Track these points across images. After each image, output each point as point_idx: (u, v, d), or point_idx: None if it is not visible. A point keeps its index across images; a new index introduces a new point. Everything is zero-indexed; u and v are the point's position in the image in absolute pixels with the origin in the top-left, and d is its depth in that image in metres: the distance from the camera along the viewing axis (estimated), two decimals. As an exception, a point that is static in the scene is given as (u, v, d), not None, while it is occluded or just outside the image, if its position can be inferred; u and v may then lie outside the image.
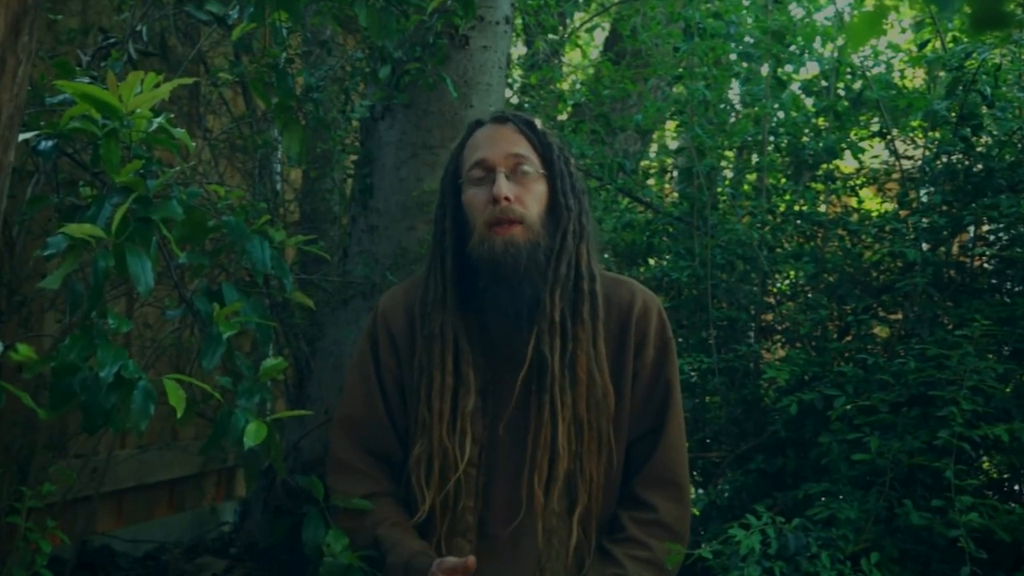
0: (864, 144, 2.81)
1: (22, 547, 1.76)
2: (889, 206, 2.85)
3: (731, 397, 2.56)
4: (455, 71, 2.39)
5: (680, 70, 2.87)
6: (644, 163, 3.99)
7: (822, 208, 2.81)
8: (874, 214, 2.78)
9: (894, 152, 2.72)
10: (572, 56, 5.14)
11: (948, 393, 1.91)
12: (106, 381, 1.29)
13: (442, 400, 1.65)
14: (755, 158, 3.03)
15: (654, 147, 4.52)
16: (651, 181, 3.68)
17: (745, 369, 2.58)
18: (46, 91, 1.58)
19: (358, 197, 2.51)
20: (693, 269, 2.62)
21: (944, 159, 2.47)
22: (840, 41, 2.86)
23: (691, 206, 2.75)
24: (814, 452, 2.22)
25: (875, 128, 2.83)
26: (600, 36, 5.27)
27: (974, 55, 2.30)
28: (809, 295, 2.65)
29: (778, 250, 2.73)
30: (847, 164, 2.91)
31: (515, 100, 3.81)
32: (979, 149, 2.40)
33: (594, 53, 5.25)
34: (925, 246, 2.42)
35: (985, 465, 2.27)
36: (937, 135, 2.54)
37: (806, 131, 2.85)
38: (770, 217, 2.73)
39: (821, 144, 2.74)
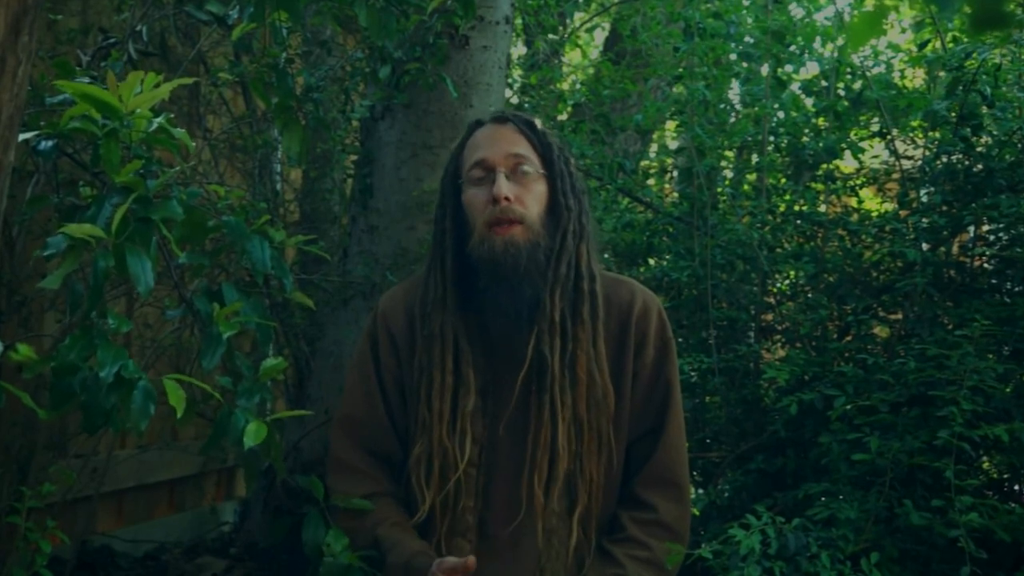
0: (864, 144, 2.81)
1: (22, 547, 1.76)
2: (889, 206, 2.85)
3: (731, 397, 2.56)
4: (455, 71, 2.39)
5: (680, 70, 2.87)
6: (644, 163, 3.99)
7: (822, 208, 2.80)
8: (874, 214, 2.78)
9: (894, 152, 2.72)
10: (572, 56, 5.14)
11: (948, 393, 1.91)
12: (106, 381, 1.29)
13: (442, 400, 1.65)
14: (755, 158, 3.03)
15: (654, 147, 4.52)
16: (651, 181, 3.68)
17: (745, 369, 2.58)
18: (46, 91, 1.58)
19: (358, 197, 2.51)
20: (693, 269, 2.62)
21: (944, 159, 2.47)
22: (840, 41, 2.86)
23: (691, 206, 2.75)
24: (814, 452, 2.22)
25: (875, 128, 2.83)
26: (600, 36, 5.27)
27: (974, 55, 2.30)
28: (809, 295, 2.65)
29: (778, 250, 2.73)
30: (847, 164, 2.91)
31: (515, 100, 3.81)
32: (979, 149, 2.40)
33: (594, 53, 5.25)
34: (925, 246, 2.42)
35: (985, 465, 2.27)
36: (937, 135, 2.54)
37: (806, 131, 2.85)
38: (770, 217, 2.73)
39: (821, 144, 2.74)
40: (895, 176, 2.77)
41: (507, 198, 1.62)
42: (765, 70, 2.93)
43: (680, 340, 2.67)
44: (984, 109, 2.36)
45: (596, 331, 1.67)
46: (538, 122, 1.74)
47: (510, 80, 3.56)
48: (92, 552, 2.66)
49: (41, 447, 2.08)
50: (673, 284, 2.72)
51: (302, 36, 2.58)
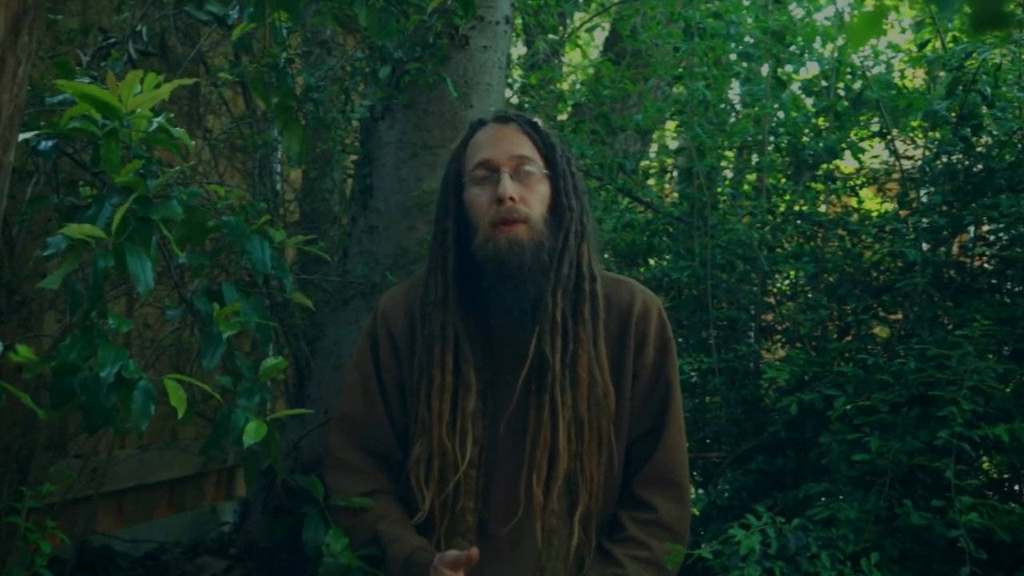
0: (864, 144, 2.81)
1: (22, 547, 1.76)
2: (889, 206, 2.85)
3: (731, 397, 2.56)
4: (455, 71, 2.39)
5: (680, 70, 2.87)
6: (644, 163, 3.99)
7: (822, 208, 2.80)
8: (874, 214, 2.78)
9: (894, 152, 2.72)
10: (572, 56, 5.15)
11: (948, 393, 1.91)
12: (106, 381, 1.29)
13: (442, 400, 1.65)
14: (755, 158, 3.03)
15: (654, 147, 4.52)
16: (651, 181, 3.68)
17: (745, 369, 2.58)
18: (46, 91, 1.58)
19: (358, 197, 2.51)
20: (693, 269, 2.62)
21: (944, 159, 2.47)
22: (840, 41, 2.86)
23: (691, 206, 2.74)
24: (814, 452, 2.22)
25: (875, 128, 2.83)
26: (600, 36, 5.27)
27: (974, 55, 2.30)
28: (809, 295, 2.65)
29: (778, 250, 2.73)
30: (847, 164, 2.91)
31: (515, 100, 3.81)
32: (979, 149, 2.40)
33: (594, 53, 5.25)
34: (925, 246, 2.42)
35: (985, 465, 2.27)
36: (937, 135, 2.54)
37: (806, 131, 2.85)
38: (770, 217, 2.73)
39: (821, 144, 2.74)
40: (895, 176, 2.77)
41: (512, 198, 1.62)
42: (765, 70, 2.93)
43: (680, 340, 2.67)
44: (984, 109, 2.36)
45: (597, 331, 1.67)
46: (540, 122, 1.74)
47: (510, 80, 3.56)
48: (92, 552, 2.66)
49: (41, 447, 2.08)
50: (673, 284, 2.71)
51: (302, 36, 2.58)
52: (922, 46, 2.64)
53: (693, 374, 2.60)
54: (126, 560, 2.74)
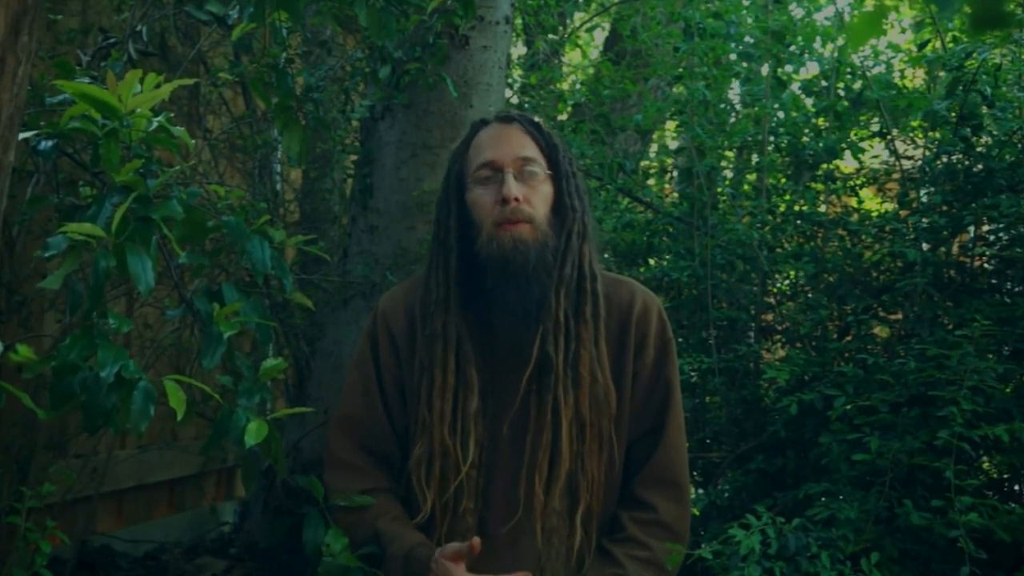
0: (864, 144, 2.81)
1: (22, 547, 1.76)
2: (889, 206, 2.85)
3: (731, 397, 2.56)
4: (455, 71, 2.39)
5: (680, 70, 2.87)
6: (644, 163, 4.00)
7: (822, 208, 2.80)
8: (874, 214, 2.78)
9: (894, 152, 2.72)
10: (572, 56, 5.14)
11: (948, 393, 1.91)
12: (106, 381, 1.29)
13: (443, 400, 1.65)
14: (755, 158, 3.03)
15: (654, 147, 4.52)
16: (651, 181, 3.68)
17: (745, 369, 2.58)
18: (46, 91, 1.58)
19: (358, 197, 2.51)
20: (693, 269, 2.62)
21: (944, 159, 2.47)
22: (840, 41, 2.86)
23: (691, 206, 2.74)
24: (814, 452, 2.22)
25: (875, 128, 2.83)
26: (600, 36, 5.27)
27: (974, 55, 2.30)
28: (809, 295, 2.65)
29: (778, 250, 2.73)
30: (847, 164, 2.91)
31: (515, 100, 3.81)
32: (979, 149, 2.40)
33: (594, 53, 5.25)
34: (925, 246, 2.42)
35: (985, 465, 2.27)
36: (937, 135, 2.54)
37: (806, 131, 2.85)
38: (770, 217, 2.73)
39: (821, 144, 2.74)
40: (895, 176, 2.77)
41: (516, 199, 1.62)
42: (765, 70, 2.93)
43: (680, 340, 2.67)
44: (984, 109, 2.36)
45: (598, 330, 1.67)
46: (542, 122, 1.74)
47: (510, 80, 3.56)
48: (92, 552, 2.66)
49: (41, 447, 2.08)
50: (673, 284, 2.71)
51: (302, 36, 2.58)
52: (922, 46, 2.64)
53: (693, 374, 2.60)
54: (126, 560, 2.74)
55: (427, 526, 1.65)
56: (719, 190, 2.88)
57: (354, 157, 2.67)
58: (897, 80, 2.87)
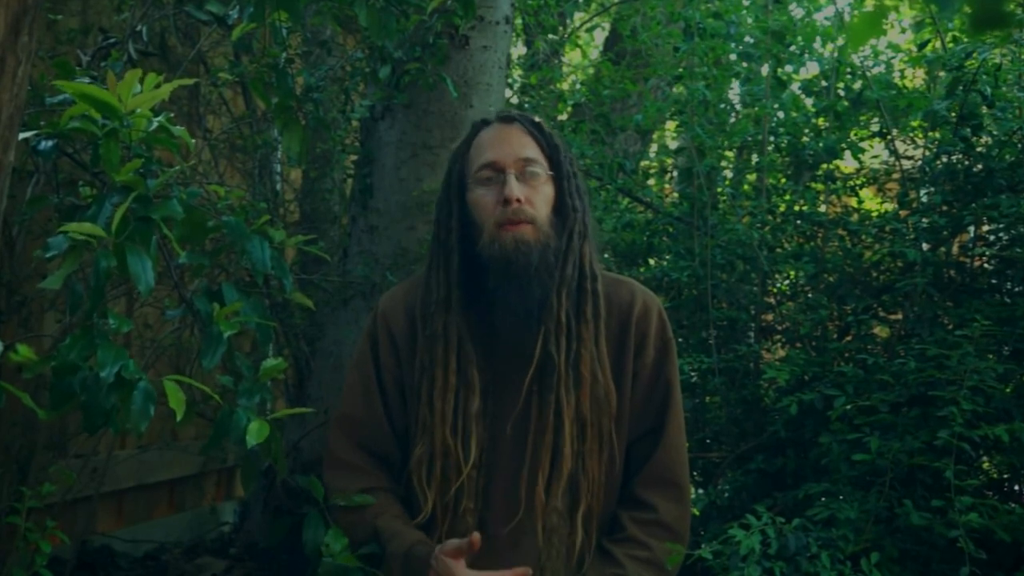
0: (864, 144, 2.81)
1: (22, 547, 1.76)
2: (889, 206, 2.85)
3: (731, 397, 2.56)
4: (455, 71, 2.39)
5: (680, 70, 2.87)
6: (644, 163, 4.00)
7: (822, 208, 2.80)
8: (874, 214, 2.78)
9: (894, 152, 2.72)
10: (572, 56, 5.14)
11: (948, 393, 1.91)
12: (106, 381, 1.29)
13: (444, 401, 1.65)
14: (755, 158, 3.03)
15: (654, 147, 4.52)
16: (651, 181, 3.68)
17: (745, 369, 2.58)
18: (46, 91, 1.58)
19: (358, 197, 2.51)
20: (693, 269, 2.62)
21: (944, 159, 2.47)
22: (840, 41, 2.86)
23: (691, 206, 2.74)
24: (814, 452, 2.22)
25: (875, 128, 2.83)
26: (600, 36, 5.27)
27: (974, 55, 2.30)
28: (809, 295, 2.65)
29: (778, 250, 2.73)
30: (847, 164, 2.91)
31: (515, 100, 3.81)
32: (979, 149, 2.40)
33: (594, 53, 5.25)
34: (925, 246, 2.42)
35: (985, 465, 2.27)
36: (937, 135, 2.54)
37: (806, 131, 2.85)
38: (770, 217, 2.73)
39: (821, 144, 2.74)
40: (895, 176, 2.77)
41: (519, 200, 1.62)
42: (765, 70, 2.93)
43: (680, 340, 2.67)
44: (984, 109, 2.36)
45: (599, 330, 1.67)
46: (543, 122, 1.74)
47: (510, 80, 3.56)
48: (92, 552, 2.66)
49: (41, 447, 2.08)
50: (673, 284, 2.72)
51: (302, 36, 2.58)
52: (922, 46, 2.64)
53: (693, 374, 2.60)
54: (126, 560, 2.74)
55: (428, 526, 1.65)
56: (719, 190, 2.88)
57: (354, 157, 2.67)
58: (897, 80, 2.87)
